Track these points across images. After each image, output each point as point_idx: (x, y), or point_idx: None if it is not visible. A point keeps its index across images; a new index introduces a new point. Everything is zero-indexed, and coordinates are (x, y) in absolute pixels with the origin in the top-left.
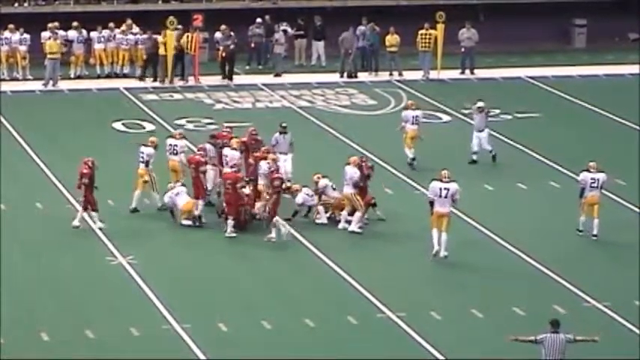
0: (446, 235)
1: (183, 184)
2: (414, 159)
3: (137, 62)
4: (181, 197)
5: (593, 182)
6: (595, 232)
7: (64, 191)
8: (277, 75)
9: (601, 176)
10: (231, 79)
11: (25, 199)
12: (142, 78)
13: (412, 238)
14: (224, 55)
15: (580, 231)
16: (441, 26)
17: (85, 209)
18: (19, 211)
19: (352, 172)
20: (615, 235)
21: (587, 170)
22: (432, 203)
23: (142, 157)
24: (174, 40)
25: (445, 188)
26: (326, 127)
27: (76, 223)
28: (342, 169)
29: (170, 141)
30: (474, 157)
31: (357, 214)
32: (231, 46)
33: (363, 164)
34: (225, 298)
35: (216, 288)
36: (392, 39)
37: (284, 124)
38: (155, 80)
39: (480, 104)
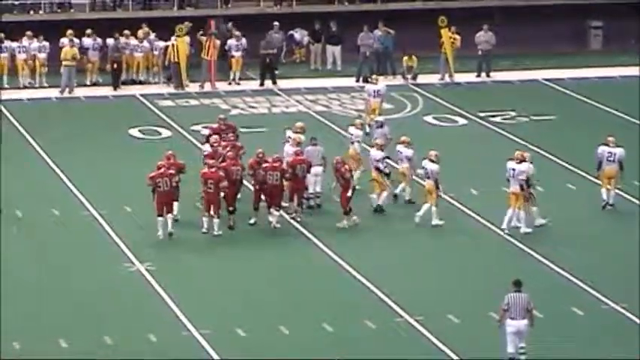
0: (521, 212)
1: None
2: (367, 133)
3: (152, 69)
4: None
5: (610, 156)
6: (611, 202)
7: (82, 198)
8: (237, 83)
9: (618, 151)
10: (274, 82)
11: (41, 206)
12: (116, 87)
13: (429, 242)
14: (268, 60)
15: (605, 200)
16: (445, 30)
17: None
18: (36, 218)
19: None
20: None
21: (606, 144)
22: (508, 180)
23: (352, 139)
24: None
25: (512, 169)
26: (342, 131)
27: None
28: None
29: (351, 130)
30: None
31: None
32: (274, 52)
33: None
34: (244, 303)
35: (235, 293)
36: None
37: (315, 141)
38: (115, 90)
39: (379, 119)
